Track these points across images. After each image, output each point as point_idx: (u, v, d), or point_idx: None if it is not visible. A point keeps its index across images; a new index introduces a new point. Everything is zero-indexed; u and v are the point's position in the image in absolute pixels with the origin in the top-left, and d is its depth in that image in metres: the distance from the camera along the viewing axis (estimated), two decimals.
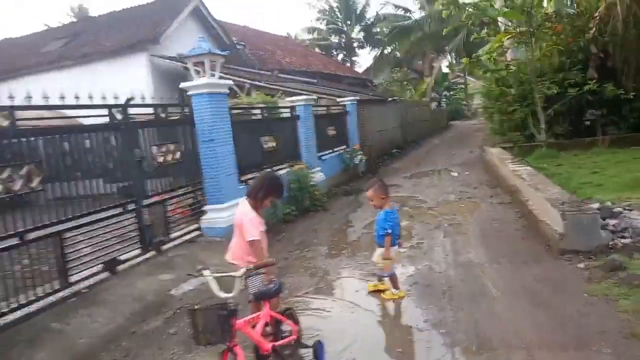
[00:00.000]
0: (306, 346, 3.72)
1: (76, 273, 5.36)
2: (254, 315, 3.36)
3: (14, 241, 4.67)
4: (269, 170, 4.08)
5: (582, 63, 12.14)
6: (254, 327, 3.36)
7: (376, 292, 4.84)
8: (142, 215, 6.25)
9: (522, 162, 9.71)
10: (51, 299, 4.93)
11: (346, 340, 3.95)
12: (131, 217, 6.19)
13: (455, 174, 11.92)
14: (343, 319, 4.39)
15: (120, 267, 5.89)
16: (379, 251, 4.76)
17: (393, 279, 4.77)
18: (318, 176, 10.39)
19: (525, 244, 5.76)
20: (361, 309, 4.57)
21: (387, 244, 4.66)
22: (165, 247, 6.66)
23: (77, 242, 5.52)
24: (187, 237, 7.11)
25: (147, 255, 6.31)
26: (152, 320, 4.77)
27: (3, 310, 4.42)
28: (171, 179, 6.95)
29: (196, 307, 2.99)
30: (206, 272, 3.27)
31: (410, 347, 3.72)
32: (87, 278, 5.44)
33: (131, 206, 6.14)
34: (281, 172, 9.18)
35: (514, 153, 11.52)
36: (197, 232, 7.30)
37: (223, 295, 3.09)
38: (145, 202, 6.36)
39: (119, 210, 5.97)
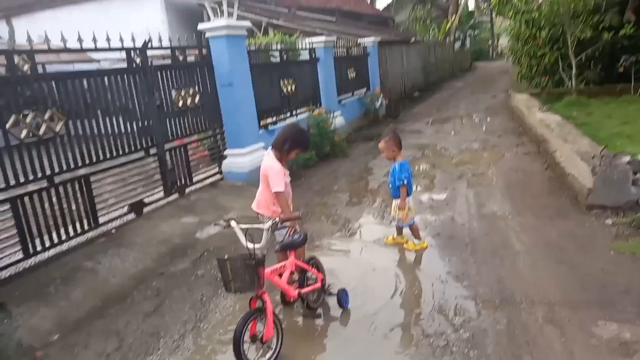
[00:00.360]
0: (330, 293, 3.80)
1: (104, 214, 5.50)
2: (280, 264, 3.42)
3: (43, 184, 4.76)
4: (294, 122, 4.00)
5: (619, 5, 11.42)
6: (280, 275, 3.43)
7: (395, 244, 4.88)
8: (164, 159, 6.28)
9: (550, 110, 9.42)
10: (82, 238, 5.10)
11: (367, 289, 4.01)
12: (154, 161, 6.24)
13: (479, 121, 11.65)
14: (364, 268, 4.45)
15: (146, 210, 6.01)
16: (396, 202, 4.74)
17: (414, 228, 4.78)
18: (338, 121, 10.24)
19: (551, 198, 5.68)
20: (382, 259, 4.61)
21: (403, 195, 4.65)
22: (187, 190, 6.74)
23: (103, 185, 5.62)
24: (209, 180, 7.17)
25: (170, 198, 6.41)
26: (180, 263, 4.90)
27: (37, 249, 4.59)
28: (191, 123, 6.90)
29: (226, 257, 3.04)
30: (233, 223, 3.30)
31: (432, 300, 3.76)
32: (114, 219, 5.58)
33: (153, 150, 6.16)
34: (300, 116, 9.10)
35: (542, 100, 11.16)
36: (218, 176, 7.35)
37: (250, 245, 3.12)
38: (167, 146, 6.37)
39: (141, 154, 6.00)
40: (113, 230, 5.42)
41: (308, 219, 5.92)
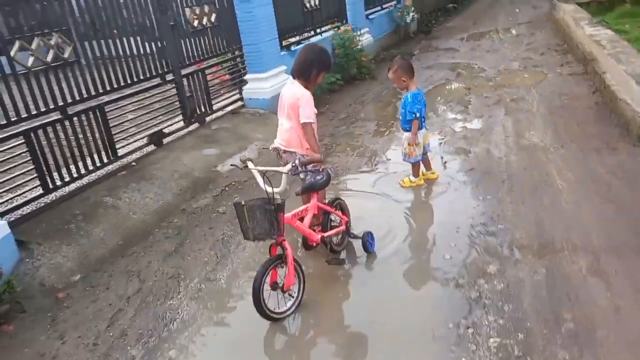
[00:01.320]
0: (355, 236, 3.60)
1: (123, 146, 5.34)
2: (301, 208, 3.20)
3: (57, 116, 4.57)
4: (312, 43, 3.59)
5: None
6: (302, 219, 3.23)
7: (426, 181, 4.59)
8: (181, 86, 5.97)
9: (601, 24, 8.51)
10: (102, 172, 4.98)
11: (394, 232, 3.80)
12: (171, 89, 5.94)
13: (519, 36, 10.72)
14: (391, 207, 4.21)
15: (166, 140, 5.82)
16: (406, 136, 4.38)
17: (416, 166, 4.47)
18: (365, 39, 9.56)
19: (598, 127, 5.19)
20: (412, 198, 4.35)
21: (414, 129, 4.30)
22: (208, 118, 6.49)
23: (120, 115, 5.41)
24: (230, 108, 6.88)
25: (191, 127, 6.19)
26: (201, 198, 4.76)
27: (57, 184, 4.50)
28: (208, 45, 6.48)
29: (243, 202, 2.82)
30: (250, 165, 3.05)
31: (464, 244, 3.53)
32: (134, 151, 5.43)
33: (169, 76, 5.84)
34: (325, 35, 8.49)
35: (591, 10, 10.09)
36: (239, 103, 7.03)
37: (269, 189, 2.89)
38: (184, 71, 6.02)
39: (157, 81, 5.70)
40: (133, 163, 5.28)
41: (333, 150, 5.63)
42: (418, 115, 4.27)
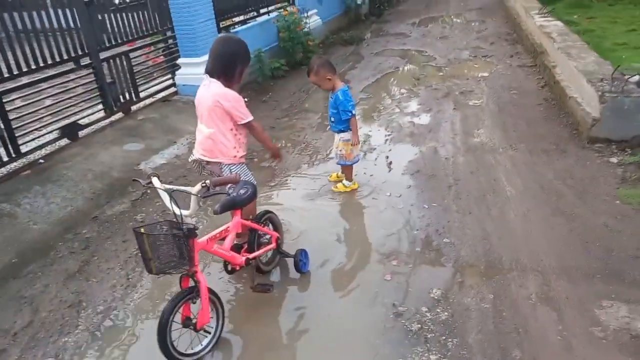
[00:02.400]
0: (287, 255, 3.19)
1: (28, 141, 4.66)
2: (220, 229, 2.74)
3: None
4: (225, 34, 3.10)
5: None
6: (223, 239, 2.78)
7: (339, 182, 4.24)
8: (101, 71, 5.29)
9: (551, 15, 8.38)
10: (1, 171, 4.32)
11: (330, 246, 3.43)
12: (88, 74, 5.25)
13: (470, 23, 10.52)
14: (329, 216, 3.82)
15: (82, 133, 5.16)
16: (342, 136, 4.00)
17: (350, 169, 4.14)
18: (313, 21, 9.04)
19: (547, 126, 4.99)
20: (352, 205, 3.98)
21: (355, 128, 3.98)
22: (134, 107, 5.85)
23: (25, 105, 4.71)
24: (161, 95, 6.25)
25: (113, 117, 5.55)
26: (117, 203, 4.20)
27: None
28: (133, 24, 5.79)
29: (142, 229, 2.34)
30: (156, 182, 2.55)
31: (407, 261, 3.19)
32: (43, 146, 4.76)
33: (85, 60, 5.15)
34: (269, 16, 7.92)
35: None
36: (172, 89, 6.41)
37: (178, 211, 2.42)
38: (103, 55, 5.34)
39: (70, 65, 5.00)
40: (41, 161, 4.63)
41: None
42: (355, 112, 3.90)
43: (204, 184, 2.40)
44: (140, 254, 2.39)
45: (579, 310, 2.65)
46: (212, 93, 2.95)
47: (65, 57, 4.91)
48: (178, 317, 2.49)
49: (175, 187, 2.50)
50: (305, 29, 8.17)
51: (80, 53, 5.07)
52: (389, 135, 5.20)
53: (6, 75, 4.33)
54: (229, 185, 2.76)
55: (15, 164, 4.46)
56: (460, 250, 3.25)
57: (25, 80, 4.59)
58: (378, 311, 2.79)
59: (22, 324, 2.89)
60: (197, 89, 6.33)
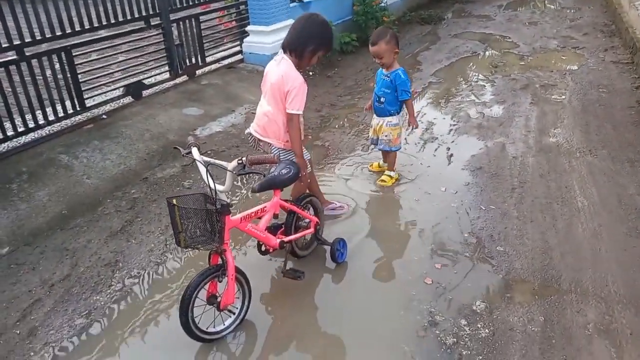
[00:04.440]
0: (325, 242, 3.05)
1: (93, 96, 4.78)
2: (256, 208, 2.63)
3: (12, 56, 4.00)
4: (312, 12, 2.88)
5: None
6: (260, 219, 2.67)
7: (380, 173, 3.97)
8: (170, 32, 5.30)
9: None
10: (66, 123, 4.47)
11: (373, 239, 3.23)
12: (157, 34, 5.28)
13: (564, 9, 9.63)
14: (379, 206, 3.62)
15: (146, 92, 5.23)
16: (388, 120, 3.71)
17: (394, 157, 3.86)
18: None
19: (637, 132, 4.44)
20: (404, 196, 3.74)
21: (411, 110, 3.71)
22: (199, 72, 5.85)
23: (93, 60, 4.81)
24: (227, 61, 6.21)
25: (178, 80, 5.58)
26: (168, 166, 4.21)
27: (8, 133, 4.01)
28: None
29: (174, 200, 2.26)
30: (195, 152, 2.47)
31: (453, 267, 2.95)
32: (107, 102, 4.88)
33: (155, 20, 5.17)
34: None
35: None
36: (239, 57, 6.35)
37: (213, 185, 2.32)
38: (173, 16, 5.34)
39: (140, 24, 5.04)
40: (104, 116, 4.74)
41: (329, 124, 4.99)
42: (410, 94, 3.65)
43: (240, 161, 2.28)
44: (171, 226, 2.33)
45: None
46: (280, 71, 2.81)
47: (136, 15, 4.95)
48: (203, 294, 2.43)
49: (212, 160, 2.40)
50: (382, 4, 7.81)
51: (151, 12, 5.10)
52: (454, 125, 4.85)
53: (77, 29, 4.43)
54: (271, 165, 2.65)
55: (79, 116, 4.61)
56: (514, 261, 2.95)
57: (95, 36, 4.68)
58: (412, 316, 2.59)
59: (60, 276, 2.96)
60: (263, 58, 6.31)
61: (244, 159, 2.28)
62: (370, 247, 3.15)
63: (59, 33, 4.30)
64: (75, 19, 4.39)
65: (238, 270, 2.50)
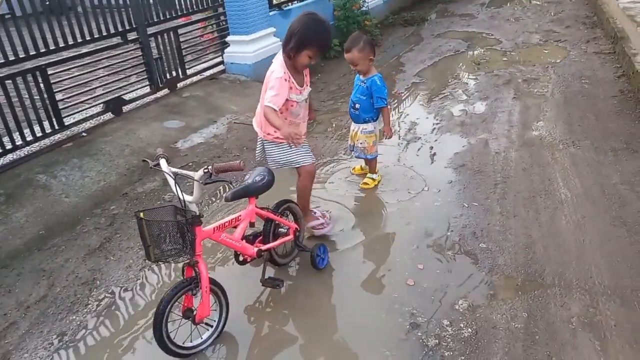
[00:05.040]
0: (304, 249, 2.99)
1: (72, 114, 4.75)
2: (230, 217, 2.58)
3: None
4: (311, 11, 2.85)
5: None
6: (235, 227, 2.63)
7: (363, 175, 3.92)
8: (147, 47, 5.28)
9: None
10: (45, 142, 4.43)
11: (353, 241, 3.19)
12: (135, 49, 5.26)
13: (546, 4, 9.66)
14: (360, 209, 3.58)
15: (127, 108, 5.20)
16: (363, 128, 3.68)
17: (375, 161, 3.82)
18: (373, 0, 8.65)
19: (620, 121, 4.41)
20: (387, 197, 3.70)
21: (388, 118, 3.65)
22: (181, 84, 5.82)
23: (71, 78, 4.78)
24: (209, 72, 6.19)
25: (159, 94, 5.55)
26: (149, 181, 4.17)
27: None
28: (182, 0, 5.74)
29: (142, 214, 2.22)
30: (163, 163, 2.42)
31: (435, 266, 2.90)
32: (87, 119, 4.83)
33: (132, 35, 5.15)
34: None
35: None
36: (220, 68, 6.33)
37: (183, 197, 2.29)
38: (151, 30, 5.32)
39: (116, 40, 5.01)
40: (84, 134, 4.70)
41: (312, 129, 4.95)
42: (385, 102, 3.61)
43: (206, 170, 2.23)
44: (141, 242, 2.28)
45: (628, 341, 2.26)
46: (272, 65, 2.88)
47: (112, 31, 4.93)
48: (180, 307, 2.38)
49: (179, 171, 2.36)
50: (364, 8, 7.82)
51: (127, 27, 5.08)
52: (437, 123, 4.82)
53: (52, 47, 4.40)
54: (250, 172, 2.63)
55: (58, 135, 4.56)
56: (497, 257, 2.90)
57: (71, 53, 4.65)
58: (394, 319, 2.54)
59: (37, 298, 2.91)
60: (245, 67, 6.29)
61: (209, 167, 2.23)
62: (352, 251, 3.10)
63: (32, 52, 4.26)
64: (49, 38, 4.36)
65: (213, 282, 2.44)
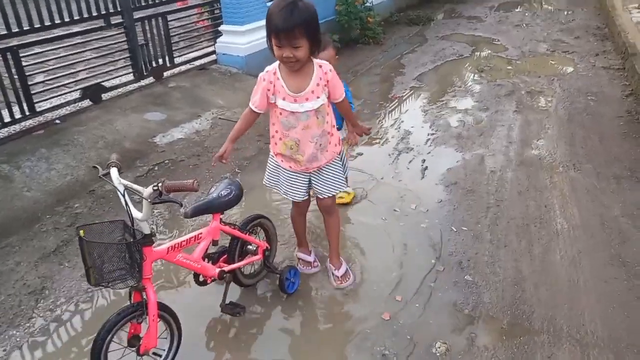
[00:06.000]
0: (274, 270, 2.74)
1: (45, 99, 4.47)
2: (188, 235, 2.32)
3: None
4: None
5: None
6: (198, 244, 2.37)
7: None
8: (133, 32, 4.98)
9: None
10: (14, 128, 4.16)
11: (326, 259, 2.92)
12: (118, 34, 4.96)
13: (557, 11, 9.35)
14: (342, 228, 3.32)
15: (107, 95, 4.91)
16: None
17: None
18: None
19: (625, 145, 4.15)
20: (370, 216, 3.44)
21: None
22: (168, 73, 5.53)
23: (46, 61, 4.50)
24: (198, 62, 5.89)
25: (143, 82, 5.26)
26: (120, 177, 3.89)
27: None
28: None
29: (82, 232, 1.96)
30: (114, 174, 2.16)
31: (414, 299, 2.65)
32: (62, 106, 4.56)
33: (116, 19, 4.85)
34: None
35: None
36: (211, 58, 6.03)
37: (135, 213, 2.03)
38: (137, 14, 5.02)
39: (97, 23, 4.72)
40: (57, 121, 4.42)
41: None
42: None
43: (155, 187, 1.97)
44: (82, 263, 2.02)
45: None
46: None
47: (94, 13, 4.63)
48: (124, 334, 2.13)
49: (128, 184, 2.09)
50: (367, 4, 7.51)
51: (111, 11, 4.78)
52: (432, 134, 4.56)
53: (26, 28, 4.11)
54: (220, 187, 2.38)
55: (30, 121, 4.29)
56: (483, 293, 2.65)
57: (48, 35, 4.36)
58: (364, 358, 2.29)
59: None
60: (237, 59, 5.99)
61: (159, 185, 1.97)
62: (325, 275, 2.85)
63: (2, 32, 3.98)
64: (23, 17, 4.07)
65: (163, 307, 2.19)
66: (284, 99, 2.35)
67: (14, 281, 2.83)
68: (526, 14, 9.24)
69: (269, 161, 2.67)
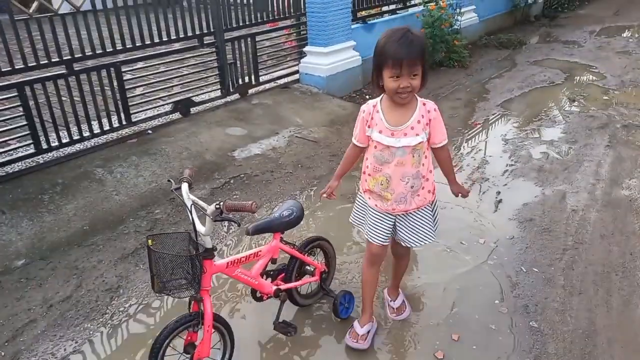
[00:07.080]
0: (329, 293, 2.76)
1: (141, 111, 4.87)
2: (248, 252, 2.41)
3: (60, 70, 4.16)
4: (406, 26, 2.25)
5: None
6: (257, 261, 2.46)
7: None
8: (222, 51, 5.30)
9: None
10: (112, 136, 4.59)
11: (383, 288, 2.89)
12: (209, 52, 5.30)
13: None
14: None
15: (195, 109, 5.26)
16: None
17: None
18: (467, 18, 8.17)
19: None
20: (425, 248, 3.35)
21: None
22: (252, 90, 5.80)
23: (144, 76, 4.91)
24: (282, 81, 6.12)
25: (229, 98, 5.57)
26: (198, 188, 4.13)
27: (53, 144, 4.17)
28: (262, 8, 5.70)
29: (150, 241, 2.11)
30: (185, 189, 2.29)
31: (471, 341, 2.53)
32: (155, 117, 4.95)
33: (209, 39, 5.19)
34: (414, 10, 7.30)
35: None
36: (294, 77, 6.24)
37: (200, 227, 2.16)
38: (228, 35, 5.33)
39: (193, 42, 5.07)
40: (149, 131, 4.80)
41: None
42: None
43: (217, 206, 2.07)
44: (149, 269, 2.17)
45: None
46: None
47: (189, 33, 4.99)
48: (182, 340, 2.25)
49: (195, 200, 2.22)
50: (455, 27, 7.38)
51: (205, 31, 5.12)
52: (511, 165, 4.36)
53: (128, 45, 4.53)
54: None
55: (125, 130, 4.70)
56: (548, 343, 2.48)
57: (146, 52, 4.77)
58: None
59: (62, 297, 2.93)
60: (318, 79, 6.16)
61: (221, 204, 2.07)
62: (379, 306, 2.81)
63: (109, 49, 4.41)
64: (127, 36, 4.49)
65: (218, 319, 2.29)
66: (380, 131, 2.25)
67: (94, 277, 3.10)
68: (630, 41, 8.57)
69: (357, 198, 2.58)
